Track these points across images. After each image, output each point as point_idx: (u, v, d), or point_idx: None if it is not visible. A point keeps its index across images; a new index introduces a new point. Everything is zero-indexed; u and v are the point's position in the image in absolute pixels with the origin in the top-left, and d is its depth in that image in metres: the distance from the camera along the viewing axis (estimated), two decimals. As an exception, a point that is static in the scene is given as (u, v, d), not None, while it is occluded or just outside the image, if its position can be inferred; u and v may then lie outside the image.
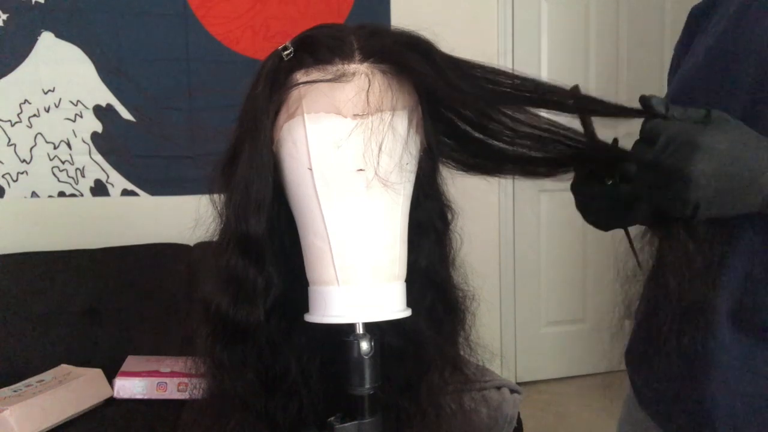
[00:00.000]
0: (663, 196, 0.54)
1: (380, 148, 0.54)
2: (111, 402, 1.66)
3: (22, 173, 2.11)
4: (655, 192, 0.55)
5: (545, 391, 2.77)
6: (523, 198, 2.76)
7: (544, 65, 2.73)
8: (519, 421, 1.51)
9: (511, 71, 0.56)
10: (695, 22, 0.75)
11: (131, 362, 1.77)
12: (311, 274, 0.58)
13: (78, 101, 2.14)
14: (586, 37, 2.78)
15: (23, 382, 1.61)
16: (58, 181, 2.15)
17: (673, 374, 0.69)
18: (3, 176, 2.09)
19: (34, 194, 2.13)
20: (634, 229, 0.67)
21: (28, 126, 2.10)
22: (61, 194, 2.16)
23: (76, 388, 1.60)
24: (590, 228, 0.85)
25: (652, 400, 0.76)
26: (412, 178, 0.59)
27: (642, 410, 0.78)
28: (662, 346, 0.70)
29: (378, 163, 0.54)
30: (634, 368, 0.80)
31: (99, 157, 2.17)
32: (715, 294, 0.62)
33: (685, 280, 0.58)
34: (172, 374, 1.69)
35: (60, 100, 2.12)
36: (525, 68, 2.84)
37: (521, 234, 2.79)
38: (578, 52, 2.78)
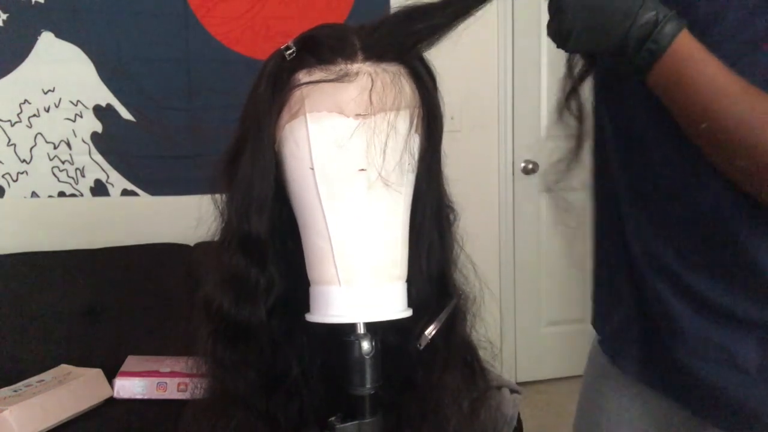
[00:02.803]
0: (548, 29, 0.61)
1: (383, 148, 0.54)
2: (111, 402, 1.66)
3: (22, 173, 2.11)
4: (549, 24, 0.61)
5: (545, 391, 2.77)
6: (523, 198, 2.76)
7: (544, 64, 2.72)
8: (519, 421, 1.50)
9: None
10: None
11: (131, 362, 1.77)
12: (312, 273, 0.58)
13: (78, 101, 2.14)
14: (586, 36, 2.78)
15: (23, 382, 1.61)
16: (58, 181, 2.15)
17: (629, 324, 0.81)
18: (3, 176, 2.09)
19: (34, 194, 2.13)
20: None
21: (28, 126, 2.10)
22: (61, 194, 2.15)
23: (76, 388, 1.60)
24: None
25: (611, 345, 0.87)
26: (412, 178, 0.59)
27: (603, 355, 0.88)
28: (619, 301, 0.82)
29: (380, 163, 0.54)
30: (597, 320, 0.91)
31: (99, 157, 2.17)
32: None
33: None
34: (172, 374, 1.69)
35: (60, 100, 2.12)
36: (525, 67, 2.82)
37: (521, 234, 2.79)
38: (578, 52, 2.77)
